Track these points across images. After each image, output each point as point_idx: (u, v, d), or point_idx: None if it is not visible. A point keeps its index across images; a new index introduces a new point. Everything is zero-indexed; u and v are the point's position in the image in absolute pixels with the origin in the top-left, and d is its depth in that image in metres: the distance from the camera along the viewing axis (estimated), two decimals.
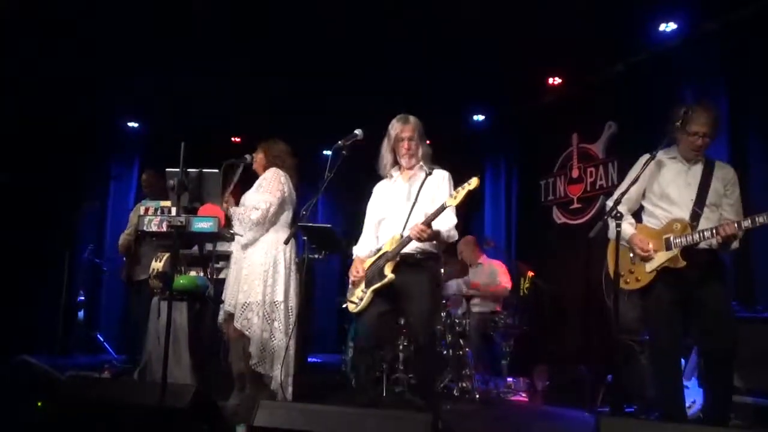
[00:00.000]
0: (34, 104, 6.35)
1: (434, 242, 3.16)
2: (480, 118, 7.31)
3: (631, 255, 3.17)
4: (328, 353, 7.54)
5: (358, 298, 3.13)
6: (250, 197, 3.85)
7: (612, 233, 2.94)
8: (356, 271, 3.19)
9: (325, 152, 8.14)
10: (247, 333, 3.62)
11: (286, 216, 3.90)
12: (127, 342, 6.44)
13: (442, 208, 3.00)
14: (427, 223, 2.98)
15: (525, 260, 6.09)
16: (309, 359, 6.52)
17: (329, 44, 5.58)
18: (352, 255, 3.35)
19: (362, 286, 3.16)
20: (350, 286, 3.25)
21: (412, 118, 3.24)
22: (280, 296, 3.71)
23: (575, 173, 6.14)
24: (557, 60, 5.82)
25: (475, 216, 7.43)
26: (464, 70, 5.95)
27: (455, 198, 2.98)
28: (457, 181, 3.12)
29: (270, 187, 3.77)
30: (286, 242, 3.18)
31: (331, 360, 6.77)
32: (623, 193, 3.05)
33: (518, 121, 6.96)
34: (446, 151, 7.45)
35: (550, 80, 6.17)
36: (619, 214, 2.91)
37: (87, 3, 4.91)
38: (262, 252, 3.72)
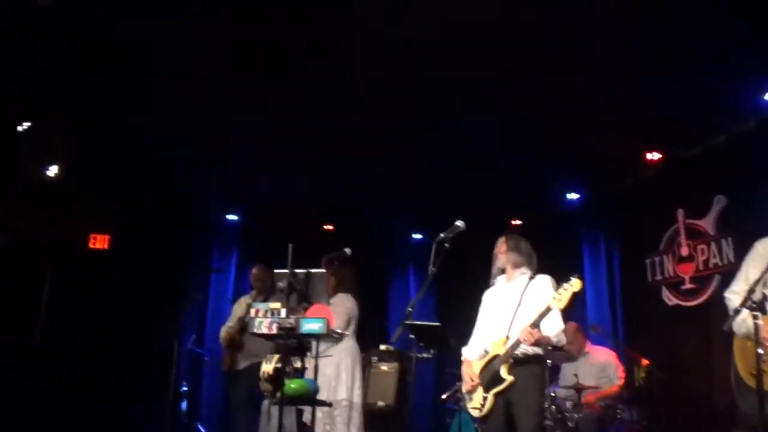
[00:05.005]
0: (141, 200, 6.78)
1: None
2: (574, 196, 7.11)
3: (760, 351, 2.71)
4: None
5: (480, 403, 3.29)
6: None
7: (749, 326, 2.67)
8: (470, 378, 3.39)
9: (414, 236, 8.19)
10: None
11: (351, 328, 4.35)
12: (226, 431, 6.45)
13: (547, 310, 3.15)
14: (534, 324, 3.13)
15: (635, 345, 5.67)
16: None
17: (411, 134, 5.63)
18: (460, 354, 3.47)
19: (480, 391, 3.31)
20: (465, 393, 3.40)
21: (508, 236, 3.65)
22: (342, 394, 4.17)
23: (684, 251, 5.75)
24: (653, 135, 5.62)
25: (576, 299, 7.06)
26: (555, 148, 5.86)
27: (560, 300, 3.14)
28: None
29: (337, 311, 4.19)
30: (394, 340, 3.25)
31: None
32: (756, 282, 2.79)
33: (616, 198, 6.69)
34: (540, 231, 7.30)
35: (648, 155, 5.95)
36: (754, 306, 2.66)
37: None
38: (329, 360, 4.20)
